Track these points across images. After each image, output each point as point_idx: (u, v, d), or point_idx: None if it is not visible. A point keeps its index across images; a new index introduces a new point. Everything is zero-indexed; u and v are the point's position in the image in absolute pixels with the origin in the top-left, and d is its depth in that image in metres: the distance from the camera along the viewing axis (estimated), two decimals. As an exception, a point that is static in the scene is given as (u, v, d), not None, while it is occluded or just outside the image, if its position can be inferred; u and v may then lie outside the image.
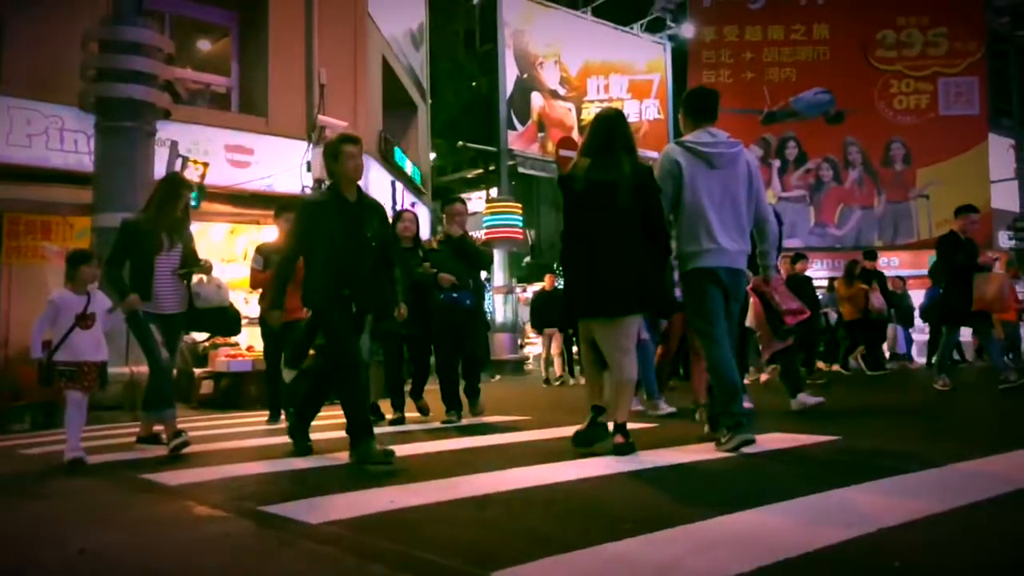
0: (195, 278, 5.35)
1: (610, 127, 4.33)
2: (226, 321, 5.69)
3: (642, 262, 4.13)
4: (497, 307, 19.77)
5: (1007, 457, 3.55)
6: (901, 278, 14.88)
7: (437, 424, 6.29)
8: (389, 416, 6.52)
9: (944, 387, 7.63)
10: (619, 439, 4.08)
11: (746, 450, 4.00)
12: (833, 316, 12.53)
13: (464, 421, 6.31)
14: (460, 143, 23.49)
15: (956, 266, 7.41)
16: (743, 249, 4.33)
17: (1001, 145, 25.71)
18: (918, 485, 3.02)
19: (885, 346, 13.12)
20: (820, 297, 12.35)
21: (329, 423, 6.83)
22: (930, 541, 2.25)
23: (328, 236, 4.34)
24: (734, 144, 4.40)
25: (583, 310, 4.26)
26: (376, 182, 14.22)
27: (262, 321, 6.54)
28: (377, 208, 4.68)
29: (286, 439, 5.03)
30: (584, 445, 4.22)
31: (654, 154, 22.84)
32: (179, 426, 5.14)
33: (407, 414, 6.67)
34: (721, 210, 4.25)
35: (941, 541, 2.26)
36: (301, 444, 4.82)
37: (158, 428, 5.36)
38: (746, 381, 10.07)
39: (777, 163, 24.37)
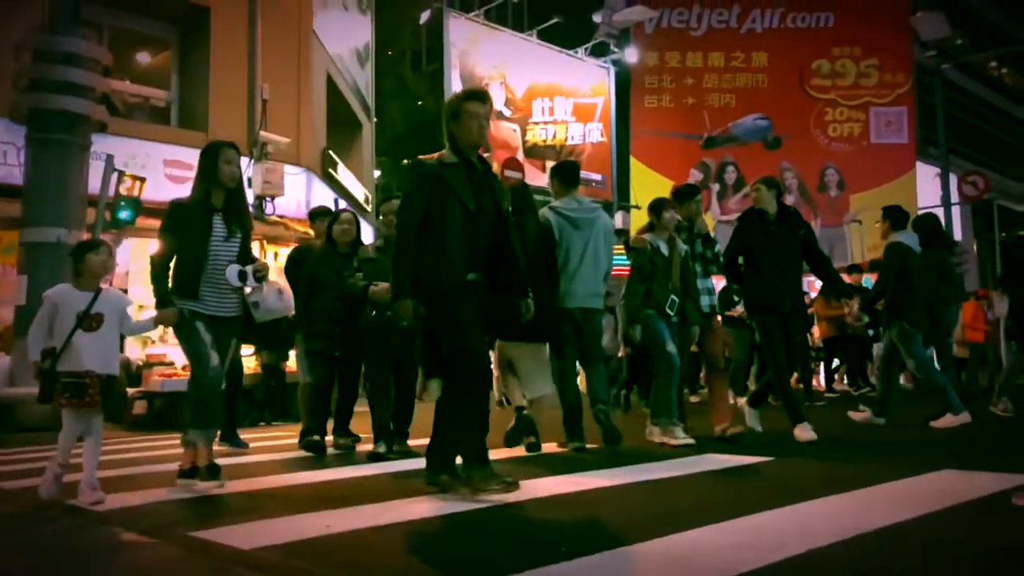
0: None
1: (523, 194, 5.32)
2: (278, 333, 5.15)
3: (544, 298, 4.84)
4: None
5: (933, 477, 3.67)
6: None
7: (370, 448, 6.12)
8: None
9: (1005, 412, 6.99)
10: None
11: (680, 472, 4.12)
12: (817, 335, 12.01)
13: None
14: (405, 161, 23.40)
15: None
16: (598, 292, 5.44)
17: (928, 173, 26.67)
18: (846, 505, 3.09)
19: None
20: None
21: (260, 446, 6.70)
22: (858, 559, 2.31)
23: (459, 207, 3.67)
24: (594, 209, 5.62)
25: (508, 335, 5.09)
26: (319, 199, 14.07)
27: None
28: (497, 178, 4.04)
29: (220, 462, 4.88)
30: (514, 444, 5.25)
31: (597, 176, 22.74)
32: (109, 446, 4.77)
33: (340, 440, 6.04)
34: (582, 261, 5.34)
35: (869, 559, 2.32)
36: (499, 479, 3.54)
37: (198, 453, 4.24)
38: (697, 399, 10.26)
39: (716, 187, 24.87)
